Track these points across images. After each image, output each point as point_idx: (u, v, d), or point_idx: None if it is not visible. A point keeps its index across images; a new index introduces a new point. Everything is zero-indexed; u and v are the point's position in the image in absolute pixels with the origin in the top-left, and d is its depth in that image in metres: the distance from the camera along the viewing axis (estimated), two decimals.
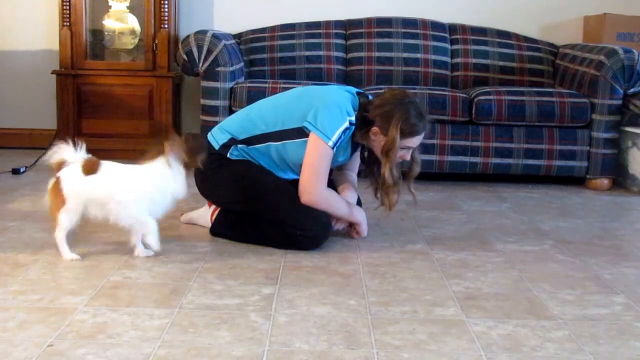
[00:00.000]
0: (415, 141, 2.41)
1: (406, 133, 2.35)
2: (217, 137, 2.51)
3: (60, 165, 2.22)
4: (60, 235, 2.23)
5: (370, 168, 2.55)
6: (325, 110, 2.36)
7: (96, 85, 3.98)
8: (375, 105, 2.39)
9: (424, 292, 2.04)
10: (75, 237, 2.46)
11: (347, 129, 2.38)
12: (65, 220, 2.20)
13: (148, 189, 2.24)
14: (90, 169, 2.21)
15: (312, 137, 2.35)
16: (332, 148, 2.35)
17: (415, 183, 2.51)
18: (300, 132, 2.38)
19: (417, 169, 2.47)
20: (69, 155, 2.23)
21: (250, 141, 2.46)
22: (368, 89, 3.60)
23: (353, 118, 2.39)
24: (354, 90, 2.52)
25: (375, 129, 2.38)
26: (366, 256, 2.36)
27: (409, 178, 2.48)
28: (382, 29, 4.09)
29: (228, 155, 2.48)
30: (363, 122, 2.40)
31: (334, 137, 2.34)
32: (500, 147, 3.53)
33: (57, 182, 2.20)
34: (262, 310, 1.86)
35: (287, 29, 4.10)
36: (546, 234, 2.71)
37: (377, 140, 2.40)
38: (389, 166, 2.37)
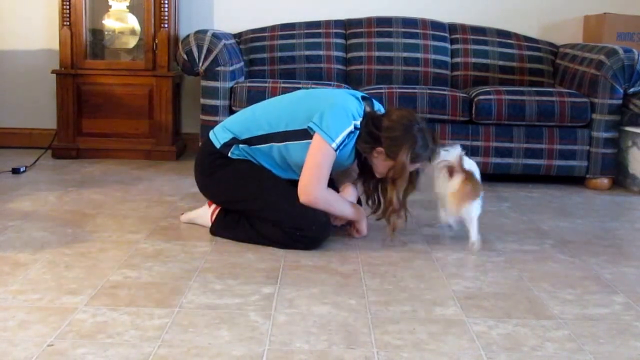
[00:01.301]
0: (415, 166, 2.44)
1: (410, 160, 2.38)
2: (219, 135, 2.51)
3: (460, 161, 2.45)
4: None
5: (364, 175, 2.57)
6: (331, 112, 2.36)
7: (96, 84, 3.98)
8: (384, 127, 2.39)
9: (424, 291, 2.04)
10: (75, 237, 2.46)
11: (351, 132, 2.37)
12: (479, 208, 2.46)
13: None
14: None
15: (316, 138, 2.35)
16: (335, 150, 2.35)
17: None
18: (304, 134, 2.38)
19: (412, 189, 2.48)
20: (461, 152, 2.49)
21: (252, 141, 2.46)
22: (368, 88, 3.60)
23: (358, 122, 2.40)
24: (359, 94, 2.52)
25: (380, 149, 2.39)
26: (366, 255, 2.36)
27: (404, 197, 2.48)
28: (382, 28, 4.09)
29: (229, 155, 2.48)
30: (369, 136, 2.40)
31: (338, 140, 2.34)
32: (500, 146, 3.53)
33: (469, 177, 2.44)
34: (262, 310, 1.86)
35: (287, 29, 4.10)
36: (546, 234, 2.71)
37: (379, 158, 2.41)
38: (396, 192, 2.40)
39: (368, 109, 2.47)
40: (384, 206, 2.48)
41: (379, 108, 2.54)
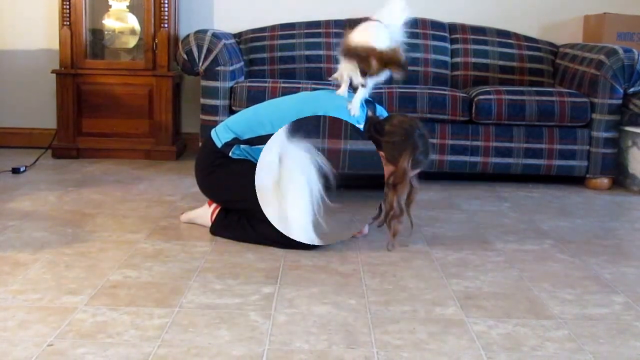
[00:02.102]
0: (416, 172, 2.44)
1: (411, 166, 2.38)
2: (220, 135, 2.51)
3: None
4: None
5: None
6: (336, 113, 2.36)
7: (96, 84, 3.98)
8: (385, 131, 2.39)
9: (424, 291, 2.04)
10: (75, 237, 2.47)
11: None
12: None
13: None
14: None
15: None
16: None
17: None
18: None
19: (415, 196, 2.49)
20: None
21: (253, 141, 2.46)
22: None
23: (360, 126, 2.40)
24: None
25: (380, 153, 2.39)
26: (366, 255, 2.36)
27: (408, 204, 2.48)
28: None
29: (230, 154, 2.48)
30: (371, 140, 2.40)
31: None
32: (500, 146, 3.53)
33: None
34: (262, 310, 1.86)
35: (287, 29, 4.10)
36: (546, 234, 2.71)
37: None
38: (396, 197, 2.39)
39: (370, 113, 2.47)
40: (384, 212, 2.48)
41: (381, 113, 2.54)
